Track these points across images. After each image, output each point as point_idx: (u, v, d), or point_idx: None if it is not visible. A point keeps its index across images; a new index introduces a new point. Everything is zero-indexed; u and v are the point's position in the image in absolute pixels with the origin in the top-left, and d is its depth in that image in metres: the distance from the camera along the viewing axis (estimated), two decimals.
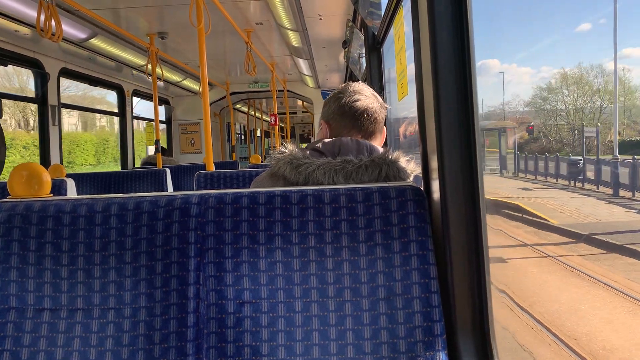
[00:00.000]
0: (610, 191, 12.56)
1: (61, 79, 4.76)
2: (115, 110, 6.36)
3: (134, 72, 6.06)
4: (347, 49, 5.38)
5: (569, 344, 5.01)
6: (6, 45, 4.05)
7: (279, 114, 9.20)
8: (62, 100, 4.69)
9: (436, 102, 1.12)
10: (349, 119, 1.50)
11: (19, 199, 1.27)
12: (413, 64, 1.29)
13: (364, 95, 1.53)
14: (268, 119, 15.26)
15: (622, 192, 12.13)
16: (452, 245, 1.12)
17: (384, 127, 1.59)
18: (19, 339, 1.14)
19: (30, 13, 3.47)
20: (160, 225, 1.17)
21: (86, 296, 1.15)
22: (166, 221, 1.17)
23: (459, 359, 1.11)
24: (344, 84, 1.60)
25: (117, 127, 6.31)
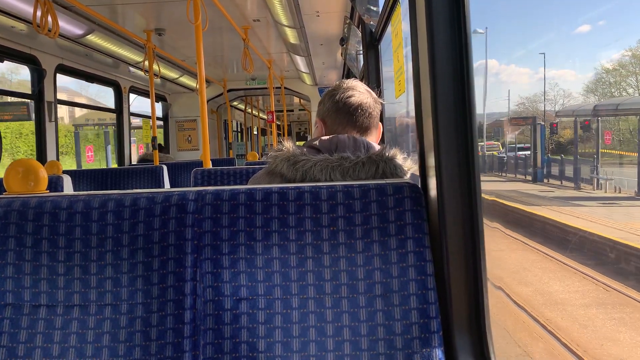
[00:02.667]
0: None
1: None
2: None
3: (131, 68, 6.05)
4: (344, 46, 5.37)
5: None
6: (2, 41, 4.04)
7: (275, 111, 9.18)
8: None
9: (433, 100, 1.12)
10: (343, 114, 1.51)
11: (15, 195, 1.26)
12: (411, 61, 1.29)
13: (358, 91, 1.54)
14: (265, 116, 15.24)
15: None
16: (449, 243, 1.12)
17: (380, 122, 1.59)
18: (16, 336, 1.14)
19: (27, 9, 3.45)
20: (157, 221, 1.16)
21: (83, 292, 1.15)
22: (163, 218, 1.17)
23: (455, 355, 1.11)
24: (338, 82, 1.61)
25: None
